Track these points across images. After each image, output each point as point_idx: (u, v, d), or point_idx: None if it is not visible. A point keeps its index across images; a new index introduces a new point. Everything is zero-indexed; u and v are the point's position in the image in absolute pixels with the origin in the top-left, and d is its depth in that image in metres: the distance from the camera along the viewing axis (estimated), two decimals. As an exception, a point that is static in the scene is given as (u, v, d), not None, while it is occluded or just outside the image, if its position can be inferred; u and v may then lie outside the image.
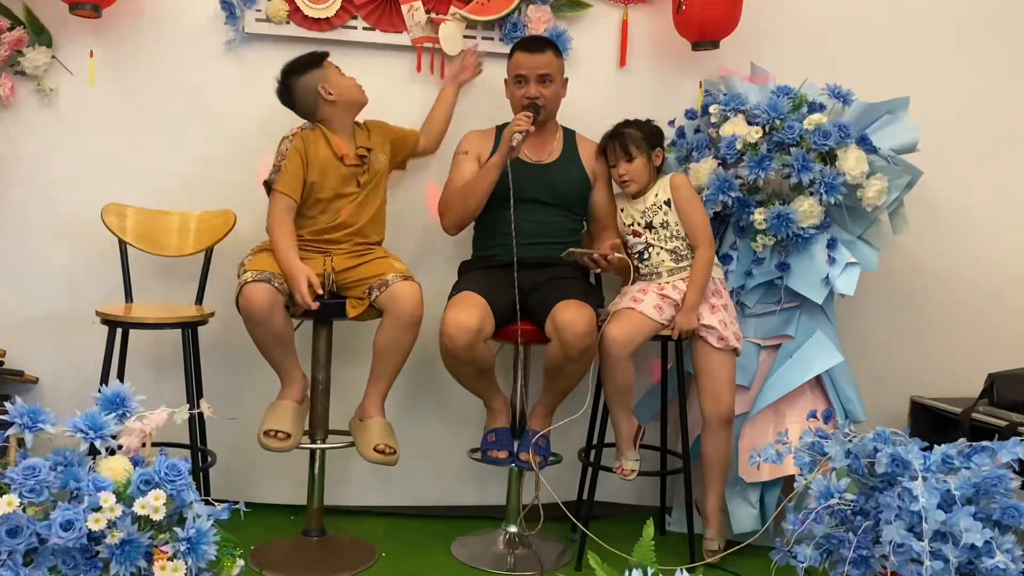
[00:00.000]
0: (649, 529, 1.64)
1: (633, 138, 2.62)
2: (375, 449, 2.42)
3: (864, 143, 2.64)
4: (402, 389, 2.97)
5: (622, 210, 2.71)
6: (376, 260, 2.55)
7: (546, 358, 2.46)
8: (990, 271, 3.19)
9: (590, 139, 2.76)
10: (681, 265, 2.61)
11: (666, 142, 2.96)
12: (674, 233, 2.61)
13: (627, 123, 2.68)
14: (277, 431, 2.41)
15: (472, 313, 2.39)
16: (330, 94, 2.57)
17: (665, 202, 2.62)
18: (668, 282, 2.60)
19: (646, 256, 2.64)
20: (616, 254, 2.52)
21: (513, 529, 2.71)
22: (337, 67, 2.62)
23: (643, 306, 2.51)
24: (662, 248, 2.61)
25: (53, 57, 2.80)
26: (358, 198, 2.58)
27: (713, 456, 2.65)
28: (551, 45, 2.68)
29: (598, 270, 2.59)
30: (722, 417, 2.61)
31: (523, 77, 2.61)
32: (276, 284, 2.35)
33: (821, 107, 2.69)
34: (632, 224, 2.67)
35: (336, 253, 2.55)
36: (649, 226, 2.63)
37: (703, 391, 2.62)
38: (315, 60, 2.60)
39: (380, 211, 2.66)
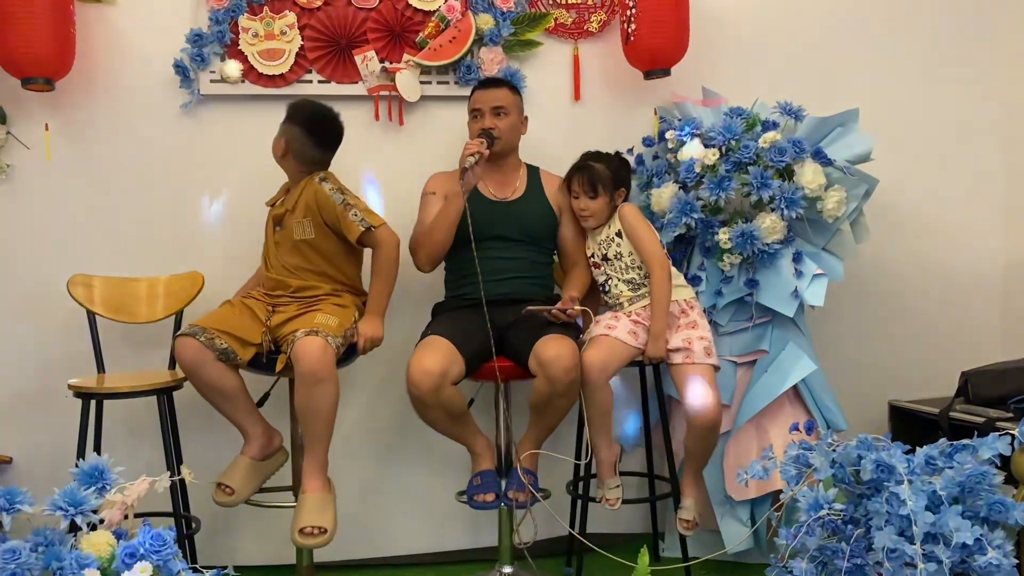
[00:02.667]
0: (644, 558, 1.63)
1: (600, 176, 2.60)
2: (300, 531, 2.31)
3: (819, 156, 2.69)
4: (384, 437, 2.95)
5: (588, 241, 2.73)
6: (307, 313, 2.46)
7: (533, 394, 2.46)
8: (953, 271, 3.25)
9: (554, 174, 2.79)
10: (639, 293, 2.61)
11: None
12: (628, 264, 2.61)
13: (597, 156, 2.66)
14: (225, 485, 2.45)
15: (436, 357, 2.38)
16: None
17: (617, 233, 2.62)
18: (631, 310, 2.61)
19: (607, 288, 2.66)
20: (576, 307, 2.53)
21: (508, 569, 2.68)
22: (280, 135, 2.60)
23: (617, 332, 2.52)
24: (619, 279, 2.63)
25: (8, 133, 2.79)
26: (277, 252, 2.59)
27: (692, 449, 2.58)
28: (507, 83, 2.74)
29: (558, 323, 2.54)
30: (704, 422, 2.53)
31: (478, 111, 2.65)
32: (202, 339, 2.35)
33: (774, 125, 2.75)
34: (592, 256, 2.69)
35: (279, 307, 2.53)
36: (605, 258, 2.65)
37: (685, 404, 2.58)
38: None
39: (329, 263, 2.58)
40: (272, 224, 2.62)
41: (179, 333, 2.40)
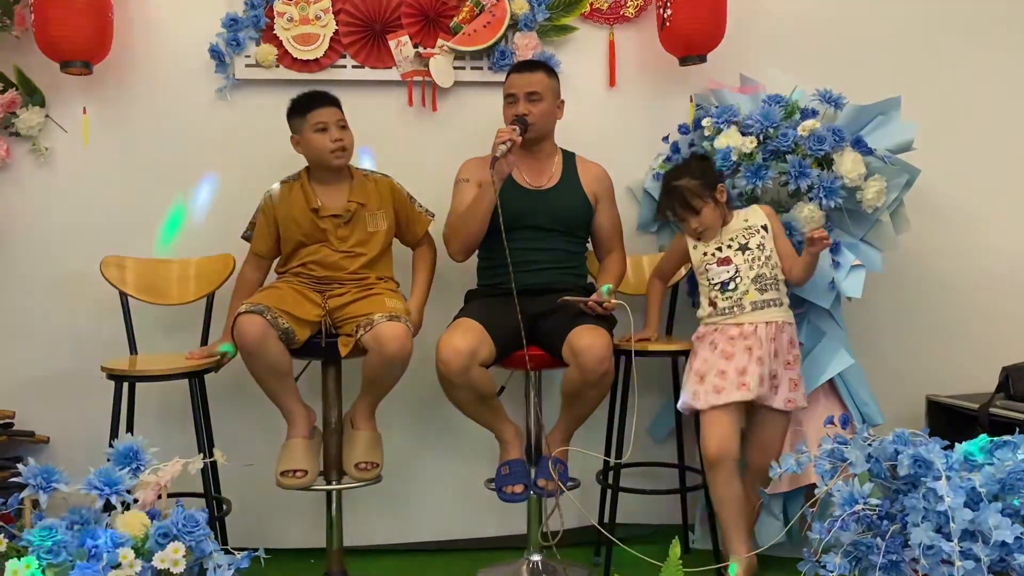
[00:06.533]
0: (676, 549, 1.61)
1: (690, 191, 2.46)
2: (356, 467, 2.49)
3: (859, 145, 2.64)
4: (415, 423, 2.96)
5: (695, 247, 2.54)
6: (371, 298, 2.52)
7: (564, 383, 2.45)
8: (996, 264, 3.17)
9: (591, 161, 2.76)
10: (765, 298, 2.44)
11: (660, 159, 2.99)
12: (766, 259, 2.46)
13: (677, 172, 2.52)
14: (294, 470, 2.44)
15: (466, 337, 2.38)
16: (299, 145, 2.59)
17: (763, 227, 2.50)
18: (752, 323, 2.43)
19: (730, 286, 2.46)
20: (612, 300, 2.49)
21: (536, 557, 2.68)
22: (327, 121, 2.53)
23: (727, 395, 2.38)
24: (748, 276, 2.45)
25: (47, 116, 2.82)
26: (343, 246, 2.58)
27: (750, 501, 2.50)
28: (543, 66, 2.70)
29: (594, 315, 2.50)
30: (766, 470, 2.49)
31: (513, 96, 2.61)
32: (268, 317, 2.36)
33: (813, 113, 2.70)
34: (718, 251, 2.50)
35: (333, 293, 2.55)
36: (744, 248, 2.47)
37: (753, 445, 2.52)
38: (300, 107, 2.57)
39: (382, 255, 2.64)
40: (326, 223, 2.57)
41: (243, 311, 2.36)
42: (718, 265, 2.49)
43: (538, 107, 2.61)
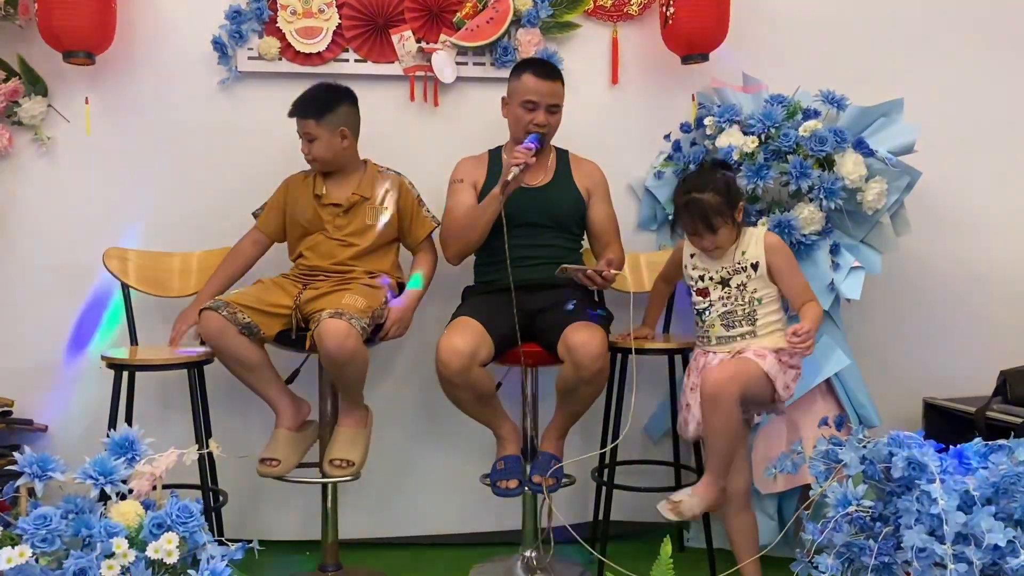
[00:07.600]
0: (667, 547, 1.62)
1: (712, 208, 2.26)
2: (330, 463, 2.49)
3: (861, 147, 2.64)
4: (411, 418, 2.97)
5: (687, 265, 2.44)
6: (336, 292, 2.50)
7: (559, 380, 2.45)
8: (995, 268, 3.17)
9: (584, 158, 2.76)
10: (732, 333, 2.32)
11: (663, 156, 2.99)
12: (744, 300, 2.31)
13: (697, 184, 2.31)
14: (270, 459, 2.48)
15: (466, 338, 2.38)
16: None
17: (752, 265, 2.31)
18: (715, 353, 2.36)
19: (704, 316, 2.38)
20: (612, 270, 2.49)
21: (530, 553, 2.68)
22: (300, 131, 2.56)
23: (686, 431, 2.43)
24: (717, 311, 2.34)
25: (49, 106, 2.82)
26: (338, 234, 2.60)
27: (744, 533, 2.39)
28: (560, 75, 2.65)
29: (593, 287, 2.52)
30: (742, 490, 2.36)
31: (534, 104, 2.58)
32: (225, 313, 2.38)
33: (816, 113, 2.70)
34: (700, 279, 2.38)
35: (311, 285, 2.56)
36: (724, 283, 2.34)
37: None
38: (300, 111, 2.57)
39: (376, 249, 2.64)
40: (326, 211, 2.61)
41: (203, 307, 2.44)
42: (697, 295, 2.40)
43: (555, 119, 2.61)
